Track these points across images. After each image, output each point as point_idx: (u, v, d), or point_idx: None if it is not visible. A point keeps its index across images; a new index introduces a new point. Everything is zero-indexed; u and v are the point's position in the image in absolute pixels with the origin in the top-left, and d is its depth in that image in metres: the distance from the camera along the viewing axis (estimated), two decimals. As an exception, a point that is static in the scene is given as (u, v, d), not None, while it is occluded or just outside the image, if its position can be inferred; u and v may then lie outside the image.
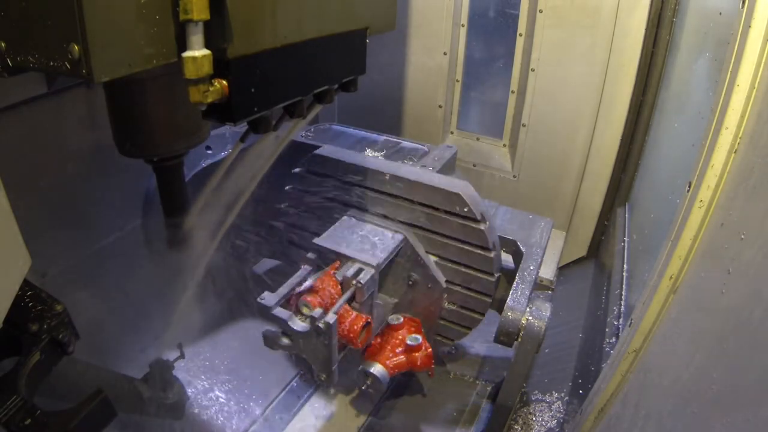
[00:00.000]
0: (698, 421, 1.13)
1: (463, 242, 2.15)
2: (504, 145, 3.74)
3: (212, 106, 1.14)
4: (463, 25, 3.52)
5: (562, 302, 3.29)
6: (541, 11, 3.16)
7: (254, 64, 1.20)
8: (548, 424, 2.48)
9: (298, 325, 1.84)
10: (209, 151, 2.70)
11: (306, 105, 1.50)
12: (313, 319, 1.80)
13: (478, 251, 2.14)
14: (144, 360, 2.13)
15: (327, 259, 2.07)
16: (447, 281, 2.24)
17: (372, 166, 2.22)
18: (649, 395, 1.46)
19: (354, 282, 1.95)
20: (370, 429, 2.46)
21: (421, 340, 2.14)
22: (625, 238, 3.03)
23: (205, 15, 1.03)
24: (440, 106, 3.73)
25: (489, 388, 2.70)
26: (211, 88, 1.11)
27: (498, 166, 3.73)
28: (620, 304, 2.60)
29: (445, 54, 3.57)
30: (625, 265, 2.83)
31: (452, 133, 3.88)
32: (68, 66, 0.96)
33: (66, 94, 2.08)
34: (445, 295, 2.25)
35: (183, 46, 1.06)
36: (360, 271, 1.99)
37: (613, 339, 2.43)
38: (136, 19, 1.00)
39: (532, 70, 3.32)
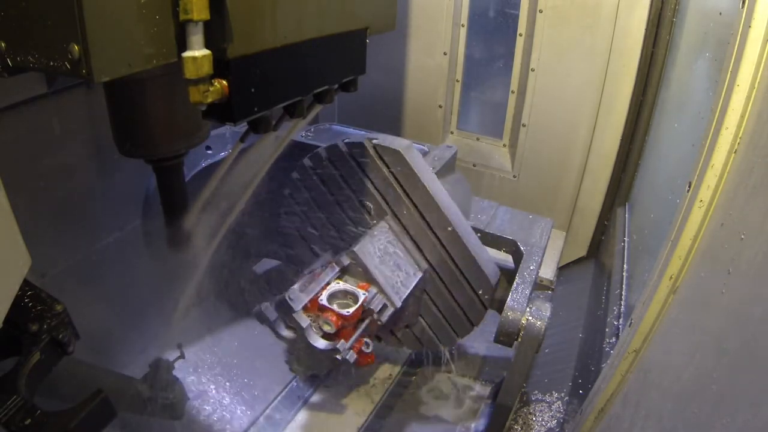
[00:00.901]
0: (698, 421, 1.13)
1: (460, 307, 2.24)
2: (504, 145, 3.74)
3: (212, 106, 1.14)
4: (463, 25, 3.52)
5: (562, 302, 3.29)
6: (541, 11, 3.16)
7: (254, 64, 1.20)
8: (548, 424, 2.48)
9: (320, 342, 1.85)
10: (209, 151, 2.69)
11: (306, 105, 1.50)
12: (335, 350, 1.84)
13: (466, 321, 2.27)
14: (144, 360, 2.13)
15: (356, 266, 2.06)
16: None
17: (444, 207, 2.14)
18: (649, 395, 1.46)
19: (375, 317, 1.97)
20: (370, 429, 2.46)
21: (371, 348, 2.08)
22: (625, 238, 3.03)
23: (205, 15, 1.03)
24: (440, 106, 3.73)
25: (489, 388, 2.70)
26: (211, 88, 1.10)
27: (498, 166, 3.73)
28: (620, 304, 2.60)
29: (445, 54, 3.57)
30: (625, 265, 2.83)
31: (452, 133, 3.88)
32: (68, 66, 0.96)
33: (66, 94, 2.08)
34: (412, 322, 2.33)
35: (183, 46, 1.05)
36: (384, 308, 1.99)
37: (613, 339, 2.43)
38: (136, 19, 1.00)
39: (532, 70, 3.32)
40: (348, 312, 1.87)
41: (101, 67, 0.96)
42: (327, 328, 1.85)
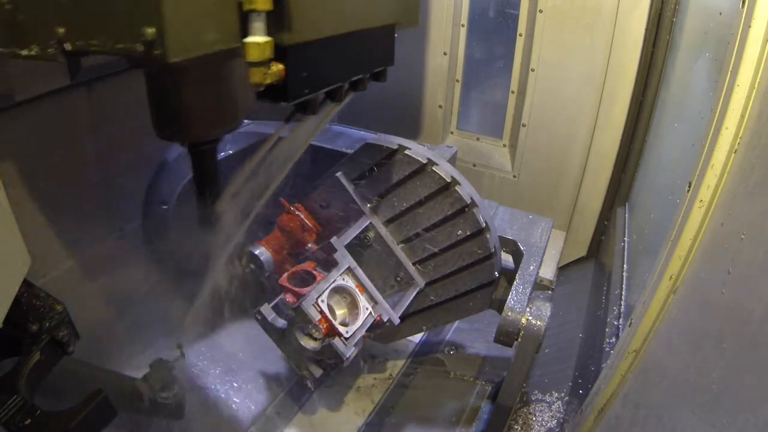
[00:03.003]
0: (698, 420, 1.13)
1: None
2: (504, 145, 3.74)
3: (268, 87, 1.23)
4: (463, 25, 3.52)
5: (562, 302, 3.29)
6: (541, 11, 3.16)
7: (306, 52, 1.31)
8: (548, 424, 2.48)
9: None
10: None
11: (344, 90, 1.61)
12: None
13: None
14: (144, 360, 2.13)
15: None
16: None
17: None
18: (649, 395, 1.46)
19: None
20: (370, 429, 2.46)
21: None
22: (625, 238, 3.03)
23: (269, 6, 1.12)
24: (440, 106, 3.73)
25: (489, 388, 2.70)
26: (269, 71, 1.20)
27: (498, 166, 3.73)
28: (620, 304, 2.60)
29: (445, 54, 3.57)
30: (625, 265, 2.83)
31: (452, 133, 3.88)
32: (141, 47, 1.03)
33: (66, 94, 2.08)
34: None
35: (244, 32, 1.15)
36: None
37: (613, 339, 2.43)
38: (207, 5, 1.08)
39: (532, 70, 3.31)
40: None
41: (175, 49, 1.04)
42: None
